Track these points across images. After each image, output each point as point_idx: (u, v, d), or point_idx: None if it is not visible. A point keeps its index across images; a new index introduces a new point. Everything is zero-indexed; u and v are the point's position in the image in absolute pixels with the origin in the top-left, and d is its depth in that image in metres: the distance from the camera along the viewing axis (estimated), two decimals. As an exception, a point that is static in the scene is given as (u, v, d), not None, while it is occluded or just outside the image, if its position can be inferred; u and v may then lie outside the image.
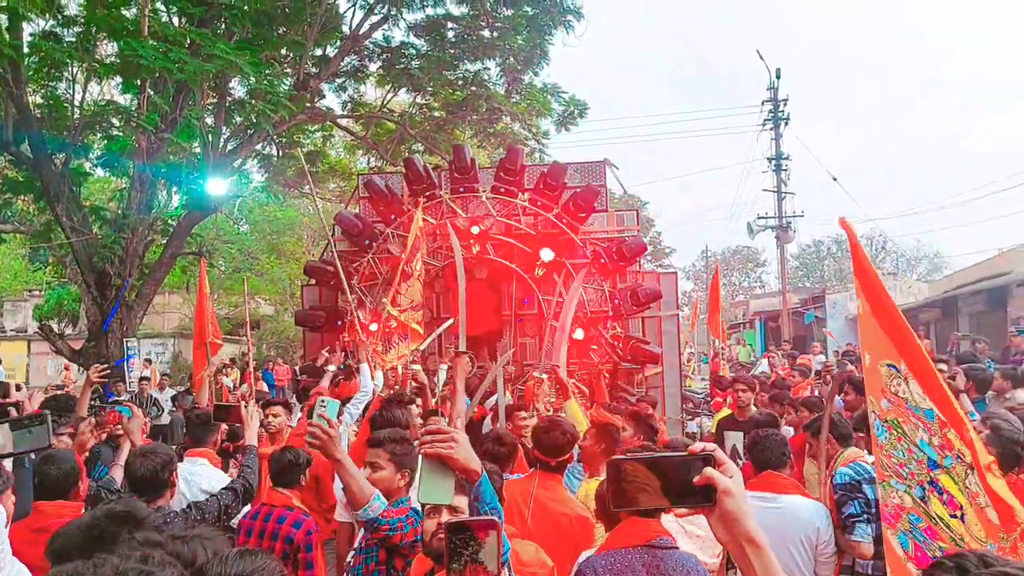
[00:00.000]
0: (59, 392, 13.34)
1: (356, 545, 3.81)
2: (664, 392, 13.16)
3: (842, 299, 30.44)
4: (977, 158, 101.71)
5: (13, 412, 4.55)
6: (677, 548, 3.40)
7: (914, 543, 3.06)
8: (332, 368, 9.24)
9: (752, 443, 5.03)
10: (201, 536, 3.24)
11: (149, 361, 20.90)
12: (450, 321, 11.35)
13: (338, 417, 3.51)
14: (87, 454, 5.63)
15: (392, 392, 7.38)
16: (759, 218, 31.36)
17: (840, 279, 52.56)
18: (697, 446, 1.64)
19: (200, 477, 5.24)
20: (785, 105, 30.63)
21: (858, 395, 7.22)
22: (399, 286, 9.42)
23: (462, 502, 2.83)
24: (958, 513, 2.93)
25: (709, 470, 1.58)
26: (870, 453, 5.07)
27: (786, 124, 30.62)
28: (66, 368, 17.67)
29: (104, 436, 6.47)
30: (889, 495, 3.21)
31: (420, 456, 2.35)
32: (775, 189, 30.56)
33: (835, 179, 30.57)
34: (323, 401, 3.42)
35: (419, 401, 7.71)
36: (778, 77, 30.36)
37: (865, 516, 4.69)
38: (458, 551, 1.85)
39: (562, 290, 12.39)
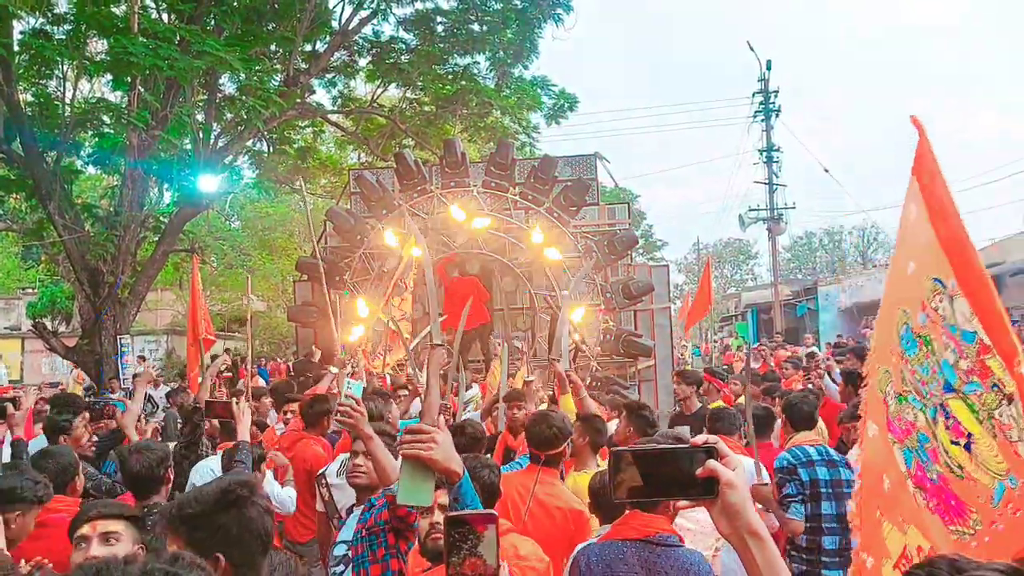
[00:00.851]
0: (51, 389, 13.35)
1: (351, 536, 3.82)
2: (657, 385, 13.21)
3: (834, 291, 30.54)
4: (970, 148, 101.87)
5: (10, 407, 4.59)
6: (681, 546, 3.37)
7: (916, 461, 3.03)
8: (335, 370, 8.99)
9: (713, 417, 5.71)
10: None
11: (143, 358, 20.88)
12: (426, 328, 11.39)
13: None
14: (94, 449, 5.68)
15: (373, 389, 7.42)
16: (751, 210, 31.42)
17: (832, 271, 52.64)
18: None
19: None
20: (776, 97, 30.66)
21: (847, 386, 7.29)
22: (390, 296, 9.47)
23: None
24: (961, 441, 2.82)
25: (712, 462, 1.57)
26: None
27: (777, 116, 30.65)
28: (75, 365, 17.61)
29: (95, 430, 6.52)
30: (904, 410, 3.13)
31: (401, 457, 2.33)
32: (766, 181, 30.61)
33: (827, 170, 30.47)
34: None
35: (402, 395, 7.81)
36: (768, 69, 30.39)
37: (800, 497, 5.11)
38: (457, 545, 1.86)
39: (555, 284, 12.44)
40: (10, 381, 23.15)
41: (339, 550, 3.85)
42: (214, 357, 18.67)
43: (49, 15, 13.87)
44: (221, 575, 2.31)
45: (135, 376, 12.10)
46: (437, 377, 5.37)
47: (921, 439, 3.02)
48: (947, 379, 2.94)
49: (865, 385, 3.38)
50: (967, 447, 2.82)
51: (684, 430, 7.43)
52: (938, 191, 3.02)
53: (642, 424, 5.60)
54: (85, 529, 3.13)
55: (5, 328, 28.98)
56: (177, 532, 2.36)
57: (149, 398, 15.28)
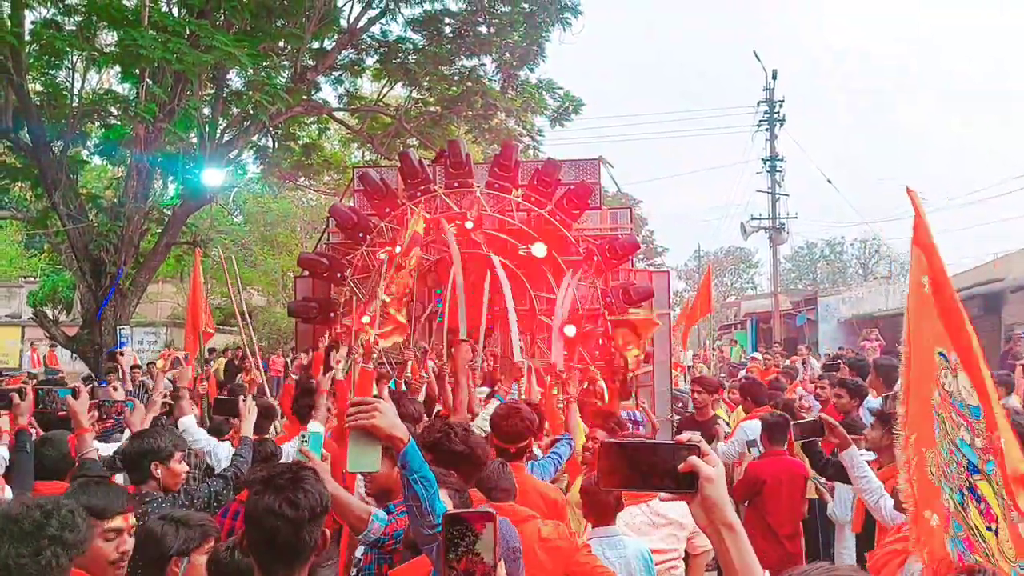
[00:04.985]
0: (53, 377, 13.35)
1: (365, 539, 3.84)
2: (654, 391, 13.22)
3: (834, 302, 30.51)
4: (975, 161, 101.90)
5: (15, 397, 4.64)
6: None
7: (958, 552, 2.75)
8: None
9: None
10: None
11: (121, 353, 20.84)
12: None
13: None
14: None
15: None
16: (753, 219, 31.43)
17: (832, 282, 52.61)
18: (684, 436, 1.75)
19: None
20: (781, 106, 30.66)
21: (851, 398, 7.34)
22: (390, 274, 9.48)
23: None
24: (993, 526, 2.65)
25: (694, 458, 1.67)
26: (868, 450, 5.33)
27: (781, 125, 30.64)
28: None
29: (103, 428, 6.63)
30: (944, 498, 2.86)
31: (349, 429, 2.46)
32: (769, 190, 30.63)
33: (829, 181, 30.53)
34: (304, 436, 3.46)
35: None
36: (774, 78, 30.39)
37: None
38: (455, 542, 1.88)
39: (554, 286, 12.47)
40: (6, 370, 23.18)
41: (358, 551, 3.87)
42: (211, 350, 18.67)
43: (60, 6, 13.96)
44: None
45: (148, 365, 12.11)
46: (466, 372, 5.42)
47: (955, 527, 2.77)
48: (968, 459, 2.75)
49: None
50: (996, 532, 2.63)
51: (694, 435, 7.60)
52: (935, 262, 2.91)
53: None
54: (117, 521, 3.18)
55: (6, 316, 29.03)
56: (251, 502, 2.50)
57: (147, 389, 15.33)
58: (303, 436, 3.45)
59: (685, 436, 1.74)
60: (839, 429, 4.66)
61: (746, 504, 6.62)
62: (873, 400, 7.32)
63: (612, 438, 1.89)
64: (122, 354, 8.62)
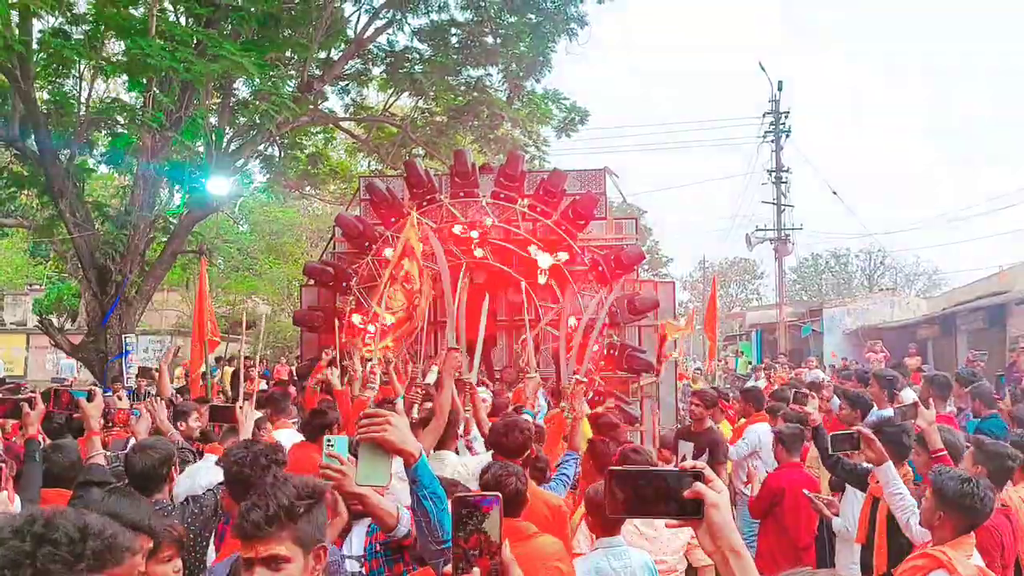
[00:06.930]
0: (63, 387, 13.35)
1: (362, 550, 3.79)
2: (659, 402, 13.22)
3: (839, 313, 30.47)
4: (980, 173, 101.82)
5: (25, 407, 4.65)
6: None
7: None
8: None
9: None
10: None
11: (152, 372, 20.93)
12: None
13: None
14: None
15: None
16: (758, 230, 31.42)
17: (838, 293, 52.52)
18: (688, 463, 1.76)
19: None
20: (787, 117, 30.65)
21: (853, 409, 7.34)
22: (385, 289, 9.52)
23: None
24: None
25: (699, 485, 1.70)
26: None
27: (787, 136, 30.64)
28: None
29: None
30: None
31: (360, 441, 2.45)
32: (775, 201, 30.61)
33: (835, 192, 30.81)
34: (330, 440, 3.46)
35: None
36: (780, 89, 30.41)
37: None
38: (463, 521, 1.94)
39: (559, 296, 12.47)
40: (12, 377, 23.23)
41: (350, 566, 3.76)
42: (218, 359, 18.67)
43: (68, 15, 14.02)
44: (319, 564, 2.45)
45: (148, 369, 12.08)
46: (451, 379, 5.42)
47: None
48: None
49: None
50: None
51: (688, 446, 7.70)
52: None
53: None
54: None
55: (11, 324, 29.14)
56: (283, 528, 2.37)
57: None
58: (329, 441, 3.45)
59: (689, 463, 1.76)
60: (876, 443, 4.62)
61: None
62: (877, 412, 7.31)
63: (617, 466, 1.90)
64: (158, 369, 8.61)
